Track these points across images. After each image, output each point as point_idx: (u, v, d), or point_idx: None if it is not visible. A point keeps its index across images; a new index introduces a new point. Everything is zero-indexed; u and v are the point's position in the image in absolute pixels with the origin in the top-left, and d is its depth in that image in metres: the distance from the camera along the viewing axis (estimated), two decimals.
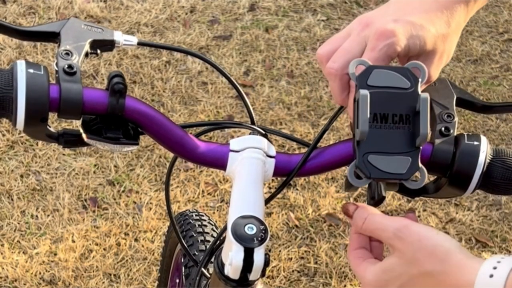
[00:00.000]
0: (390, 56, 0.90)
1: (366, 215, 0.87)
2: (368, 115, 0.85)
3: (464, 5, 0.95)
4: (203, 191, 2.64)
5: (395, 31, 0.89)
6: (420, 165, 0.87)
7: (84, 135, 0.91)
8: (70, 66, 0.90)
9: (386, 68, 0.88)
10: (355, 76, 0.88)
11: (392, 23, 0.90)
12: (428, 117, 0.86)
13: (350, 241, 0.89)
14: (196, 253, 1.49)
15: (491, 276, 0.75)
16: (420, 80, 0.88)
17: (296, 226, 2.58)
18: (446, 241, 0.81)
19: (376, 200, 0.90)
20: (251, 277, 0.87)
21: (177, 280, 1.74)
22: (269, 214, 2.59)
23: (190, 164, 2.71)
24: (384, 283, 0.83)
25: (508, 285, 0.74)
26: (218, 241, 1.06)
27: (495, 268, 0.75)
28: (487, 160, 0.94)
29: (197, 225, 1.57)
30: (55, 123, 2.64)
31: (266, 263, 0.87)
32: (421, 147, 0.87)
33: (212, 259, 1.00)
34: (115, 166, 2.69)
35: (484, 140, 0.95)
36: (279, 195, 2.64)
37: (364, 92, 0.86)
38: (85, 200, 2.58)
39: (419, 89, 0.88)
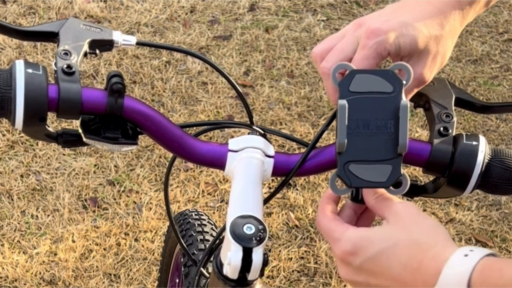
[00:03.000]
0: (381, 54, 0.90)
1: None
2: (346, 127, 0.86)
3: (460, 10, 0.95)
4: (203, 191, 2.64)
5: (386, 29, 0.90)
6: (402, 172, 0.87)
7: (83, 135, 0.91)
8: (69, 66, 0.90)
9: (369, 72, 0.88)
10: (337, 81, 0.88)
11: (383, 22, 0.91)
12: (407, 126, 0.86)
13: (324, 207, 0.90)
14: (196, 252, 1.49)
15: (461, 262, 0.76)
16: (404, 82, 0.88)
17: (296, 226, 2.58)
18: (438, 226, 0.83)
19: (358, 201, 0.93)
20: (250, 277, 0.87)
21: (177, 280, 1.74)
22: (269, 214, 2.59)
23: (190, 164, 2.71)
24: (357, 250, 0.84)
25: (477, 269, 0.75)
26: (217, 241, 1.06)
27: (466, 255, 0.77)
28: (486, 160, 0.94)
29: (196, 225, 1.57)
30: (54, 123, 2.64)
31: (265, 263, 0.87)
32: (403, 154, 0.87)
33: (211, 259, 1.00)
34: (115, 166, 2.69)
35: (482, 140, 0.95)
36: (279, 195, 2.64)
37: (342, 102, 0.86)
38: (85, 200, 2.58)
39: (402, 94, 0.87)
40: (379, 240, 0.83)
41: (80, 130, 0.92)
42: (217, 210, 2.59)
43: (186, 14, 3.43)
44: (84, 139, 0.92)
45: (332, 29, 3.45)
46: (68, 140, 0.93)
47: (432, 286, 0.77)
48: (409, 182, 0.88)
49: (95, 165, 2.69)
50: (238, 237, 0.85)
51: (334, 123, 0.96)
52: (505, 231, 2.64)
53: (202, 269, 1.14)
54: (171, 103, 2.96)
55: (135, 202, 2.59)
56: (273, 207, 2.62)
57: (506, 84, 3.25)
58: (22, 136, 2.74)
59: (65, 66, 0.90)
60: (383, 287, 0.83)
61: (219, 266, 0.90)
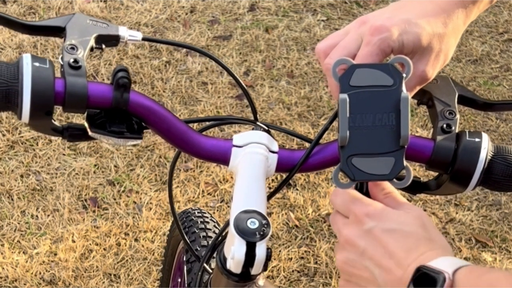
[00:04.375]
0: (384, 51, 0.90)
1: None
2: (348, 121, 0.86)
3: (463, 8, 0.96)
4: (203, 191, 2.64)
5: (389, 26, 0.91)
6: (405, 163, 0.87)
7: (88, 129, 0.92)
8: (75, 60, 0.91)
9: (368, 66, 0.88)
10: (337, 77, 0.88)
11: (387, 19, 0.92)
12: (408, 118, 0.86)
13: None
14: (198, 249, 1.49)
15: None
16: (404, 75, 0.88)
17: (296, 226, 2.58)
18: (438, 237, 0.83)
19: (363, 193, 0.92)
20: (253, 271, 0.88)
21: (179, 280, 1.74)
22: (269, 214, 2.59)
23: (190, 164, 2.71)
24: (377, 216, 0.84)
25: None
26: (221, 237, 1.06)
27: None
28: (488, 157, 0.94)
29: (199, 222, 1.58)
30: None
31: (268, 257, 0.87)
32: (405, 146, 0.87)
33: (214, 254, 1.00)
34: (115, 166, 2.69)
35: (485, 137, 0.95)
36: (279, 195, 2.64)
37: (343, 96, 0.86)
38: (85, 200, 2.58)
39: (403, 86, 0.88)
40: (401, 221, 0.83)
41: (85, 124, 0.92)
42: (217, 210, 2.59)
43: (186, 14, 3.43)
44: (90, 133, 0.92)
45: (332, 29, 3.45)
46: (74, 134, 0.93)
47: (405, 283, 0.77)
48: (412, 174, 0.89)
49: (95, 165, 2.69)
50: (242, 231, 0.85)
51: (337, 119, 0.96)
52: (505, 231, 2.64)
53: (205, 264, 1.14)
54: (171, 103, 2.96)
55: (135, 202, 2.59)
56: (273, 207, 2.62)
57: (506, 84, 3.25)
58: (22, 136, 2.74)
59: (72, 60, 0.90)
60: (369, 264, 0.82)
61: (222, 261, 0.90)
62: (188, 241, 1.36)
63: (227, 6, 3.51)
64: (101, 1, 3.44)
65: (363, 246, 0.83)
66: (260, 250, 0.86)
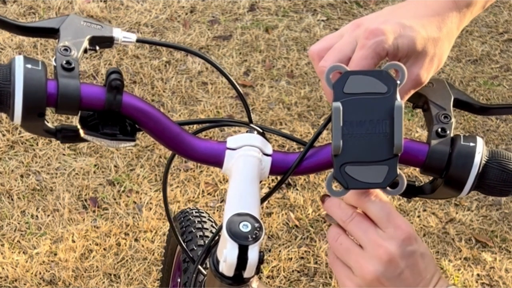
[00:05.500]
0: (379, 54, 0.90)
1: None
2: (341, 129, 0.86)
3: (457, 12, 0.96)
4: (203, 191, 2.64)
5: (384, 30, 0.90)
6: (399, 172, 0.87)
7: (81, 131, 0.92)
8: (68, 62, 0.90)
9: (362, 73, 0.88)
10: (331, 83, 0.88)
11: (382, 23, 0.91)
12: (402, 126, 0.86)
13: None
14: (195, 248, 1.49)
15: None
16: (398, 82, 0.88)
17: (296, 226, 2.58)
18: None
19: None
20: (246, 274, 0.87)
21: (179, 280, 1.74)
22: (269, 214, 2.59)
23: (190, 164, 2.71)
24: (417, 237, 0.88)
25: None
26: (216, 238, 1.06)
27: None
28: (483, 162, 0.93)
29: (196, 221, 1.58)
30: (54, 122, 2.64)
31: (261, 260, 0.87)
32: (399, 154, 0.87)
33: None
34: (115, 166, 2.69)
35: (480, 141, 0.95)
36: (279, 195, 2.64)
37: (337, 105, 0.86)
38: (85, 200, 2.58)
39: (397, 94, 0.87)
40: (425, 246, 0.89)
41: (78, 126, 0.92)
42: (217, 210, 2.59)
43: (186, 14, 3.43)
44: (82, 135, 0.92)
45: (332, 29, 3.45)
46: (67, 135, 0.93)
47: None
48: (405, 183, 0.89)
49: (95, 165, 2.69)
50: (234, 234, 0.85)
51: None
52: (505, 231, 2.64)
53: (199, 266, 1.13)
54: (171, 103, 2.96)
55: (135, 202, 2.59)
56: (273, 207, 2.62)
57: (506, 84, 3.25)
58: (22, 136, 2.75)
59: (65, 62, 0.90)
60: (401, 285, 0.86)
61: (215, 264, 0.90)
62: (183, 243, 1.36)
63: (227, 6, 3.50)
64: (101, 1, 3.44)
65: (402, 267, 0.85)
66: (253, 253, 0.85)
